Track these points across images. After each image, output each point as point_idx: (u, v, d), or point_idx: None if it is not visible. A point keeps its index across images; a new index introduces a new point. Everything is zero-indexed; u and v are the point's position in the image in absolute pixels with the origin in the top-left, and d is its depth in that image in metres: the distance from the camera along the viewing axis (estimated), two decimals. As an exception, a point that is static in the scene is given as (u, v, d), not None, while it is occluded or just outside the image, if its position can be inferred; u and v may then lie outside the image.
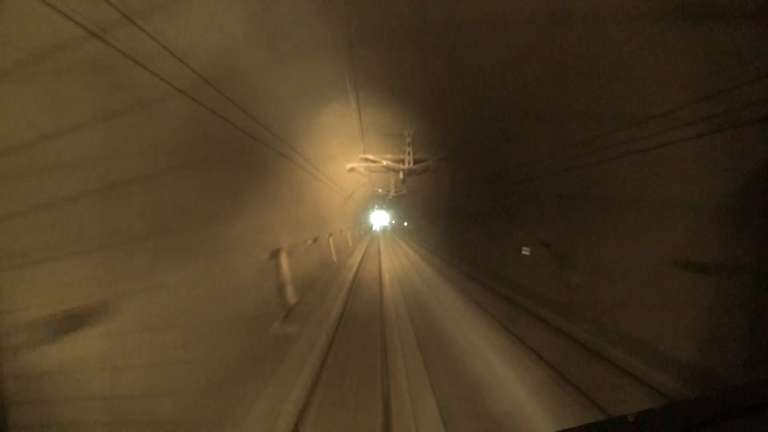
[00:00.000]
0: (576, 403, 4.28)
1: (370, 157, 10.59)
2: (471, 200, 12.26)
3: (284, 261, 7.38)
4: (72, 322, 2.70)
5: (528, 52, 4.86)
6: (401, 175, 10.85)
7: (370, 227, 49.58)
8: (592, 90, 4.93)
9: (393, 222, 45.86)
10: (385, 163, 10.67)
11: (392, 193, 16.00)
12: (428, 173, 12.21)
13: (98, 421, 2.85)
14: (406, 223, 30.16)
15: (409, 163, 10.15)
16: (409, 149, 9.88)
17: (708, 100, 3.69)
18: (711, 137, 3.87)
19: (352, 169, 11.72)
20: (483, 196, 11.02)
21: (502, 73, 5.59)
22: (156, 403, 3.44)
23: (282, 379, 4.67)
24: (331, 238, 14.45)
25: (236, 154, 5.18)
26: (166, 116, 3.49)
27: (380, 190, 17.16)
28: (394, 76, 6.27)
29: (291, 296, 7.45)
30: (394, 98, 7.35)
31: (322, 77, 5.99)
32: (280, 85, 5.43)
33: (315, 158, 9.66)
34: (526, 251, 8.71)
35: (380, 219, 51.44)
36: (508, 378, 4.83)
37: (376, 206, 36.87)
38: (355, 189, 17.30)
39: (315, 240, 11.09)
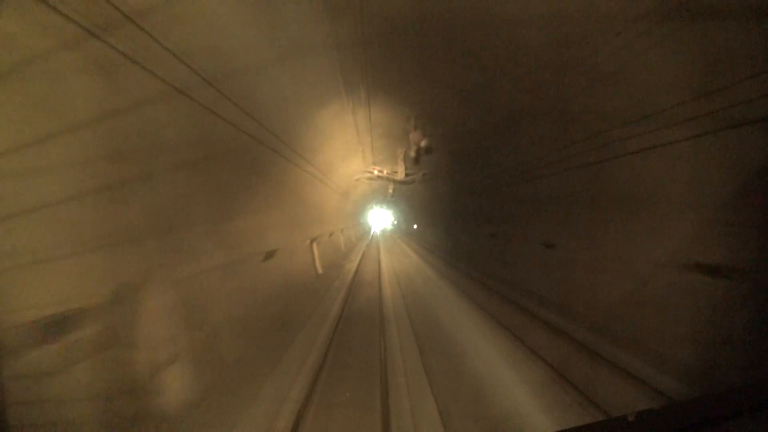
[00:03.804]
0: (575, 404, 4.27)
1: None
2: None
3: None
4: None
5: (529, 51, 4.86)
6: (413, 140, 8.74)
7: (369, 228, 43.84)
8: (594, 89, 4.93)
9: (409, 225, 36.06)
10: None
11: (400, 173, 12.68)
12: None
13: (98, 421, 2.85)
14: (416, 225, 26.46)
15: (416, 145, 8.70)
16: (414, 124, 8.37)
17: (707, 97, 3.68)
18: (711, 136, 3.87)
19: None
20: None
21: (503, 72, 5.59)
22: (156, 403, 3.44)
23: None
24: (315, 244, 11.59)
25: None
26: (164, 116, 3.49)
27: (383, 172, 13.58)
28: (397, 74, 6.25)
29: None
30: (396, 96, 7.34)
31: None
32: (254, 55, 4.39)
33: (303, 147, 8.09)
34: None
35: (380, 219, 46.85)
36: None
37: (376, 204, 33.96)
38: (351, 180, 15.12)
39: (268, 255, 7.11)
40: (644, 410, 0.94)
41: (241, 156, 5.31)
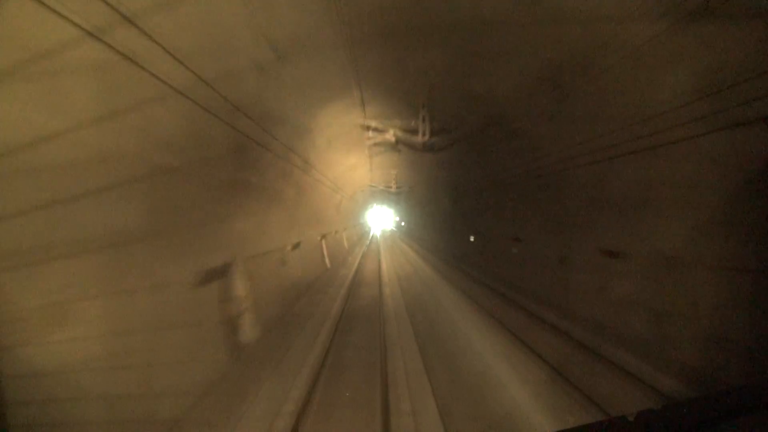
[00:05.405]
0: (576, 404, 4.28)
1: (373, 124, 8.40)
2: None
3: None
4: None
5: (527, 51, 4.86)
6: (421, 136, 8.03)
7: (369, 229, 40.36)
8: (592, 88, 4.94)
9: (420, 228, 28.54)
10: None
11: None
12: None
13: (98, 421, 2.86)
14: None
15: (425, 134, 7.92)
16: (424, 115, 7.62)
17: (707, 97, 3.69)
18: (711, 136, 3.88)
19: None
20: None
21: (502, 72, 5.59)
22: (156, 403, 3.44)
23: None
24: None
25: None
26: (163, 117, 3.50)
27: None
28: (396, 75, 6.22)
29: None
30: (395, 95, 7.31)
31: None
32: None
33: (309, 151, 8.20)
34: None
35: (381, 218, 43.64)
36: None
37: (377, 203, 31.92)
38: (353, 180, 14.89)
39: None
40: (644, 410, 0.94)
41: (244, 159, 5.68)
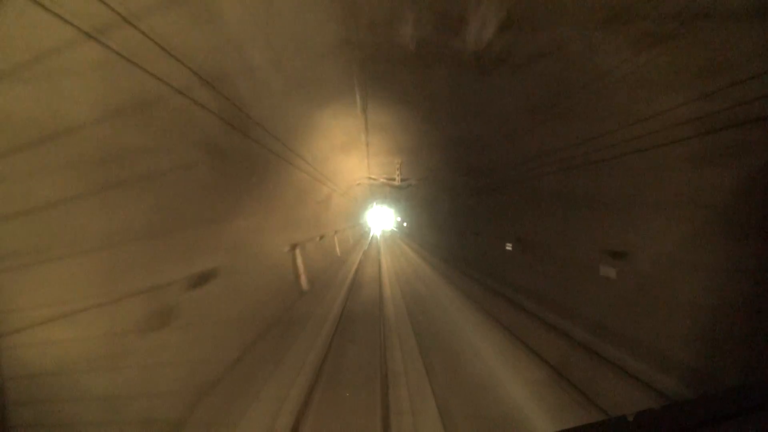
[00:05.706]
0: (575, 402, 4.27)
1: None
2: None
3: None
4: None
5: (528, 52, 4.85)
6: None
7: (368, 230, 38.31)
8: (590, 90, 4.93)
9: (422, 228, 24.57)
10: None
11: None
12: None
13: (98, 421, 2.86)
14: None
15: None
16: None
17: (707, 98, 3.68)
18: (711, 136, 3.87)
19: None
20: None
21: (502, 72, 5.58)
22: (156, 403, 3.44)
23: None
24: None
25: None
26: (162, 117, 3.49)
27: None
28: (400, 77, 6.15)
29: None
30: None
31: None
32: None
33: (298, 142, 7.19)
34: None
35: (381, 218, 41.43)
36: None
37: (376, 201, 30.02)
38: (352, 178, 13.48)
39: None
40: (644, 410, 0.94)
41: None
